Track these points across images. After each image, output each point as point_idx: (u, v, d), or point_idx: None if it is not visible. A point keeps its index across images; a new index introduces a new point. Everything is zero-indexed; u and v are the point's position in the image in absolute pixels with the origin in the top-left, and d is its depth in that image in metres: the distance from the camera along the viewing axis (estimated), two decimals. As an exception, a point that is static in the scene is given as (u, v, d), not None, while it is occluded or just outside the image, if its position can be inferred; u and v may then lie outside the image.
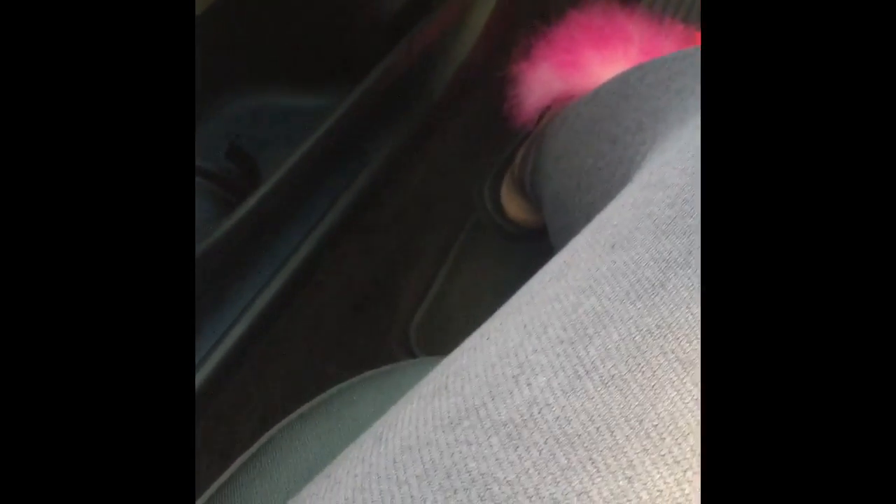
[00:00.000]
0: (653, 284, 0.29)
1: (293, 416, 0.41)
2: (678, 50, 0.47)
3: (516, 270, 0.81)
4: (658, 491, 0.25)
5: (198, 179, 0.61)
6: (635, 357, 0.27)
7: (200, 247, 0.56)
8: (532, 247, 0.82)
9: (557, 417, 0.26)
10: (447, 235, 0.80)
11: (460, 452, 0.26)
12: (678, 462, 0.25)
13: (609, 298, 0.29)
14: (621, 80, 0.49)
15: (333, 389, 0.43)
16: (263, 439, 0.40)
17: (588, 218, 0.39)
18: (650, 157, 0.38)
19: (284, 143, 0.62)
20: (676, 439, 0.26)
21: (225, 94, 0.67)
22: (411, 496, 0.26)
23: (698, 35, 0.80)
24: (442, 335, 0.76)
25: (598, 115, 0.49)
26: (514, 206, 0.81)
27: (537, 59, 0.78)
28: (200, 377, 0.56)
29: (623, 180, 0.41)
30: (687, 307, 0.28)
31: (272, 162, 0.60)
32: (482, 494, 0.25)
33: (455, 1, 0.75)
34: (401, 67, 0.70)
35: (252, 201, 0.58)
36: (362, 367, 0.71)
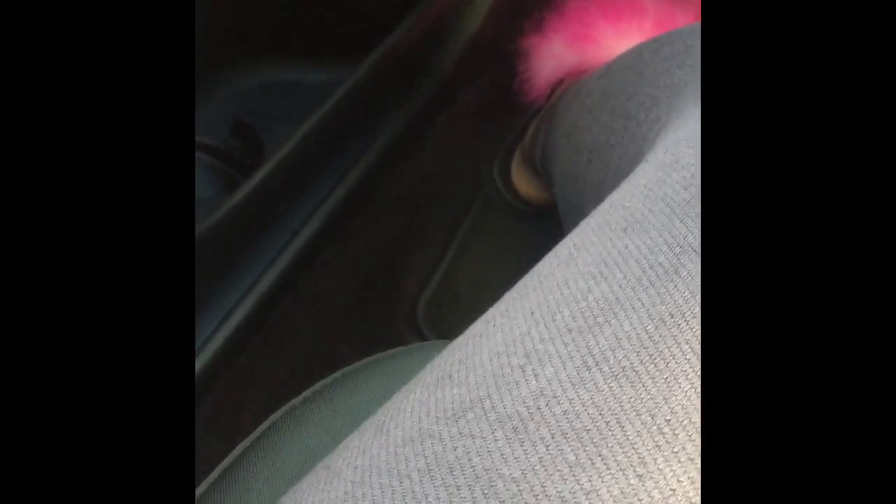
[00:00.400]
0: (666, 271, 0.28)
1: (296, 400, 0.41)
2: (694, 22, 0.46)
3: (526, 249, 0.80)
4: (671, 490, 0.24)
5: (202, 156, 0.60)
6: (647, 348, 0.26)
7: (204, 224, 0.55)
8: (542, 224, 0.80)
9: (565, 411, 0.25)
10: (456, 213, 0.79)
11: (464, 446, 0.25)
12: (692, 459, 0.24)
13: (620, 285, 0.28)
14: (635, 53, 0.48)
15: (338, 374, 0.42)
16: (265, 424, 0.40)
17: (599, 197, 0.37)
18: (664, 134, 0.37)
19: (290, 119, 0.61)
20: (691, 435, 0.24)
21: (230, 69, 0.66)
22: (412, 492, 0.25)
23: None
24: (450, 314, 0.75)
25: (610, 91, 0.48)
26: (524, 183, 0.80)
27: (549, 33, 0.76)
28: (204, 358, 0.55)
29: (636, 158, 0.40)
30: None
31: (277, 138, 0.59)
32: (486, 492, 0.24)
33: (465, -27, 0.74)
34: (409, 42, 0.69)
35: (257, 178, 0.57)
36: (369, 348, 0.71)
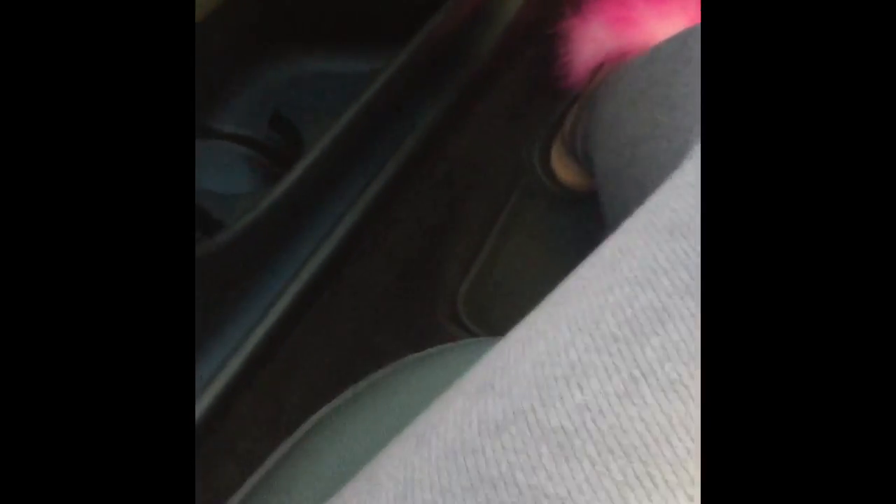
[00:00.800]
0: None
1: (337, 401, 0.40)
2: None
3: (568, 236, 0.79)
4: None
5: (242, 149, 0.60)
6: (697, 360, 0.25)
7: (245, 218, 0.55)
8: (584, 211, 0.79)
9: (612, 426, 0.25)
10: (496, 200, 0.78)
11: (507, 462, 0.25)
12: None
13: (668, 292, 0.27)
14: (679, 41, 0.46)
15: (378, 374, 0.41)
16: (307, 425, 0.40)
17: (643, 192, 0.36)
18: (693, 135, 0.36)
19: (329, 110, 0.61)
20: None
21: (267, 61, 0.65)
22: None
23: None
24: (491, 303, 0.75)
25: (653, 80, 0.46)
26: (564, 170, 0.78)
27: (589, 15, 0.74)
28: (245, 352, 0.55)
29: (680, 151, 0.39)
30: None
31: (316, 130, 0.59)
32: None
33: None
34: (447, 29, 0.68)
35: (297, 171, 0.57)
36: (409, 338, 0.70)
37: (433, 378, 0.41)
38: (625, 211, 0.34)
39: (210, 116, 0.65)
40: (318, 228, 0.60)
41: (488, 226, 0.77)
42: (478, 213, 0.77)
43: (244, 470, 0.41)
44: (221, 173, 0.60)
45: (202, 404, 0.52)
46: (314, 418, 0.39)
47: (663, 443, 0.24)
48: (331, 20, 0.66)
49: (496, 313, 0.73)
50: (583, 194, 0.79)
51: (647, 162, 0.42)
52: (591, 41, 0.74)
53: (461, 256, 0.75)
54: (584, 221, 0.78)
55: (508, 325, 0.33)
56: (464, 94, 0.70)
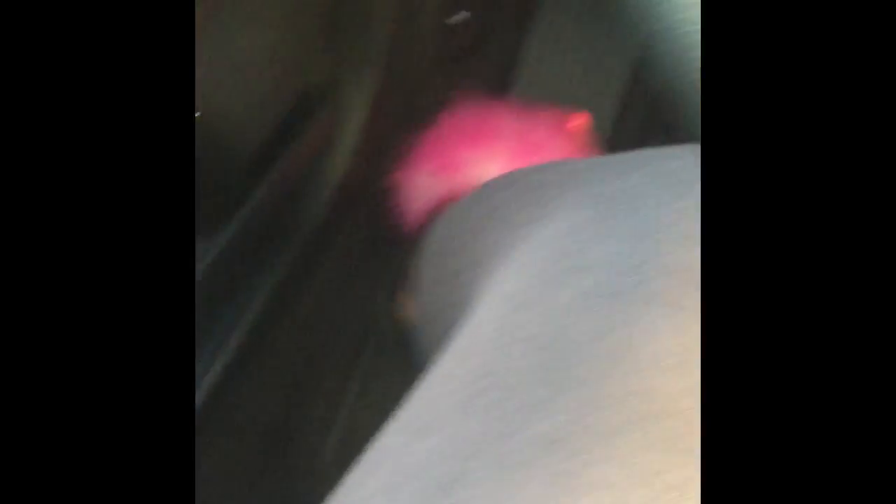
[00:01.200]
0: (454, 479, 0.27)
1: None
2: (505, 174, 0.46)
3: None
4: None
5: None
6: None
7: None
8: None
9: None
10: (350, 357, 0.78)
11: None
12: None
13: (416, 498, 0.28)
14: (460, 208, 0.48)
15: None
16: None
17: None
18: (466, 313, 0.37)
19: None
20: None
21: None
22: None
23: (572, 117, 0.81)
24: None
25: (443, 248, 0.48)
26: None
27: (414, 166, 0.78)
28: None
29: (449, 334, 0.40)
30: None
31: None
32: None
33: (320, 124, 0.75)
34: (272, 201, 0.69)
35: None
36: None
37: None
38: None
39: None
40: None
41: (345, 384, 0.77)
42: (333, 372, 0.77)
43: None
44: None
45: None
46: None
47: None
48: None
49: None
50: (435, 337, 0.80)
51: (430, 339, 0.43)
52: (421, 190, 0.77)
53: (322, 419, 0.74)
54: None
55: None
56: (299, 263, 0.71)
